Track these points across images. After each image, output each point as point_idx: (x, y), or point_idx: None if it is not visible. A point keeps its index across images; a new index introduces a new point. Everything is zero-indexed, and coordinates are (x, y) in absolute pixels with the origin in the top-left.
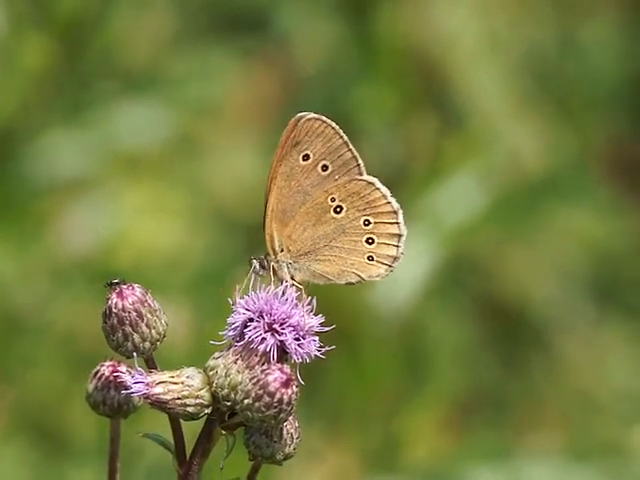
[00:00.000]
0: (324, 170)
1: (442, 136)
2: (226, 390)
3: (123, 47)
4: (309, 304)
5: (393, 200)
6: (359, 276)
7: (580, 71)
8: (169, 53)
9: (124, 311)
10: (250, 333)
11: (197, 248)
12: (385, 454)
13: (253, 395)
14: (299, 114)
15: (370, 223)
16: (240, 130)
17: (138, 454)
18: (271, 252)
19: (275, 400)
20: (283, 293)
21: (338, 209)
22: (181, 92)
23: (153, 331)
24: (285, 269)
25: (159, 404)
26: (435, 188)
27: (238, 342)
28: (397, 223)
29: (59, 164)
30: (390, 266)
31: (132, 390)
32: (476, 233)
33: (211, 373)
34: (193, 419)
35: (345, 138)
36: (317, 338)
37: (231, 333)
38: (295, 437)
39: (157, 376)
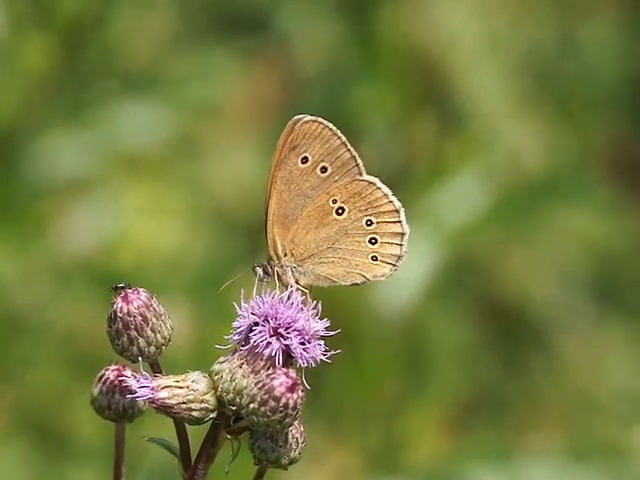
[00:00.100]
0: (323, 172)
1: (442, 136)
2: (231, 394)
3: (124, 47)
4: (314, 308)
5: (394, 199)
6: (364, 277)
7: (580, 71)
8: (169, 53)
9: (129, 315)
10: (255, 337)
11: (197, 248)
12: (386, 455)
13: (259, 399)
14: (296, 117)
15: (372, 223)
16: (240, 130)
17: (140, 458)
18: (274, 257)
19: (281, 405)
20: (288, 297)
21: (340, 210)
22: (181, 92)
23: (158, 335)
24: (289, 273)
25: (164, 408)
26: (436, 188)
27: (243, 346)
28: (399, 222)
29: (60, 164)
30: (394, 265)
31: (137, 394)
32: (477, 233)
33: (216, 377)
34: (198, 423)
35: (343, 139)
36: (322, 342)
37: (236, 337)
38: (300, 441)
39: (162, 380)
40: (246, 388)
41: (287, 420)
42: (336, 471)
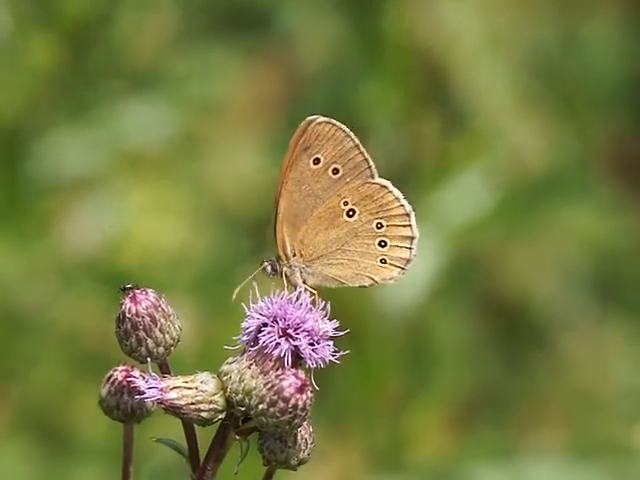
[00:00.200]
0: (335, 173)
1: (446, 134)
2: (240, 395)
3: (128, 47)
4: (323, 309)
5: (405, 202)
6: (372, 279)
7: (582, 70)
8: (171, 52)
9: (138, 316)
10: (264, 338)
11: (200, 247)
12: (390, 453)
13: (267, 400)
14: (309, 118)
15: (383, 226)
16: (243, 128)
17: (146, 458)
18: (283, 257)
19: (290, 405)
20: (297, 298)
21: (351, 212)
22: (184, 91)
23: (167, 336)
24: (298, 274)
25: (173, 409)
26: (440, 187)
27: (252, 347)
28: (409, 225)
29: (64, 162)
30: (403, 268)
31: (146, 395)
32: (481, 232)
33: (225, 378)
34: (207, 424)
35: (356, 141)
36: (331, 343)
37: (245, 338)
38: (309, 442)
39: (171, 381)
40: (255, 389)
41: (296, 421)
42: (340, 470)
